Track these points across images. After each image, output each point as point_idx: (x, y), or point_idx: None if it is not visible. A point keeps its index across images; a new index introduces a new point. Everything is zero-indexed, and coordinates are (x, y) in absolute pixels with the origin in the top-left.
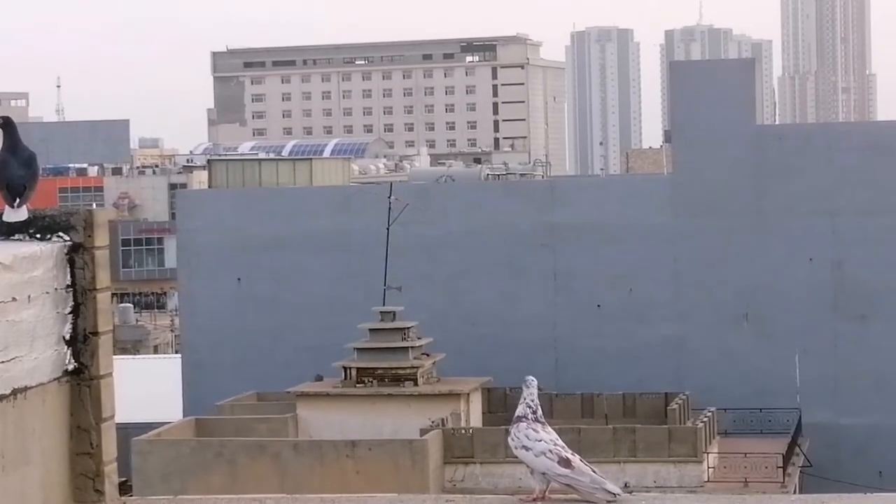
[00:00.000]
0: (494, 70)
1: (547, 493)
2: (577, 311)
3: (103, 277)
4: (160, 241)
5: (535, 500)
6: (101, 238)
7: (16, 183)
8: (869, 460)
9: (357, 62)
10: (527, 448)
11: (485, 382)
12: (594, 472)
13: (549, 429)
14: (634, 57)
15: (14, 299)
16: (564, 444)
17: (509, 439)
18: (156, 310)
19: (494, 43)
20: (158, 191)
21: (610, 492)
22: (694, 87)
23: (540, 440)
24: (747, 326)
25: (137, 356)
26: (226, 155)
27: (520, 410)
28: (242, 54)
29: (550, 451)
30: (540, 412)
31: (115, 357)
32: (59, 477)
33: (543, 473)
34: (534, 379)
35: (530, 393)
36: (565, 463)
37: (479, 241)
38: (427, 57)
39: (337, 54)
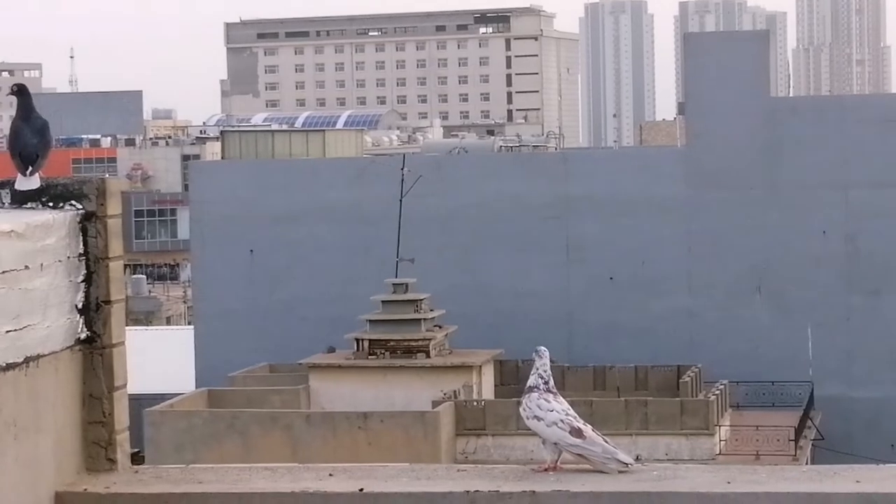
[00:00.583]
0: (508, 42)
1: (558, 463)
2: (590, 283)
3: (116, 246)
4: (173, 212)
5: (546, 470)
6: (114, 207)
7: (29, 151)
8: (881, 433)
9: (370, 33)
10: (538, 418)
11: (497, 355)
12: (606, 442)
13: (562, 399)
14: (648, 29)
15: (27, 267)
16: (577, 415)
17: (521, 409)
18: (168, 281)
19: (508, 14)
20: (171, 162)
21: (622, 461)
22: (708, 59)
23: (552, 410)
24: (760, 300)
25: (150, 327)
26: (239, 126)
27: (531, 381)
28: (255, 25)
29: (562, 420)
30: (552, 382)
31: (127, 328)
32: (72, 445)
33: (555, 444)
34: (546, 349)
35: (543, 363)
36: (577, 433)
37: (491, 213)
38: (440, 28)
39: (350, 25)
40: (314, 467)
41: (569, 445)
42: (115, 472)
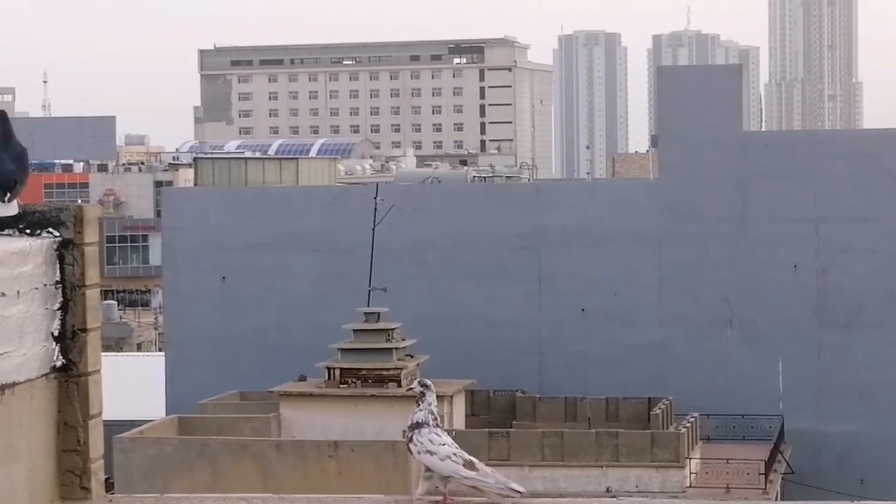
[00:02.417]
0: (482, 72)
1: (448, 495)
2: (562, 314)
3: (92, 274)
4: (145, 238)
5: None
6: (91, 234)
7: (7, 178)
8: (851, 468)
9: (345, 62)
10: (431, 452)
11: (468, 385)
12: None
13: (446, 434)
14: (622, 61)
15: (3, 294)
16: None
17: (411, 445)
18: (140, 307)
19: (482, 45)
20: (144, 188)
21: (516, 490)
22: (681, 92)
23: (444, 444)
24: (731, 332)
25: (121, 353)
26: (212, 153)
27: (421, 416)
28: (230, 52)
29: (455, 453)
30: (439, 418)
31: None
32: (46, 473)
33: (448, 477)
34: (431, 383)
35: (433, 399)
36: (470, 465)
37: (464, 243)
38: (415, 58)
39: (324, 54)
40: (289, 498)
41: (463, 478)
42: (90, 500)
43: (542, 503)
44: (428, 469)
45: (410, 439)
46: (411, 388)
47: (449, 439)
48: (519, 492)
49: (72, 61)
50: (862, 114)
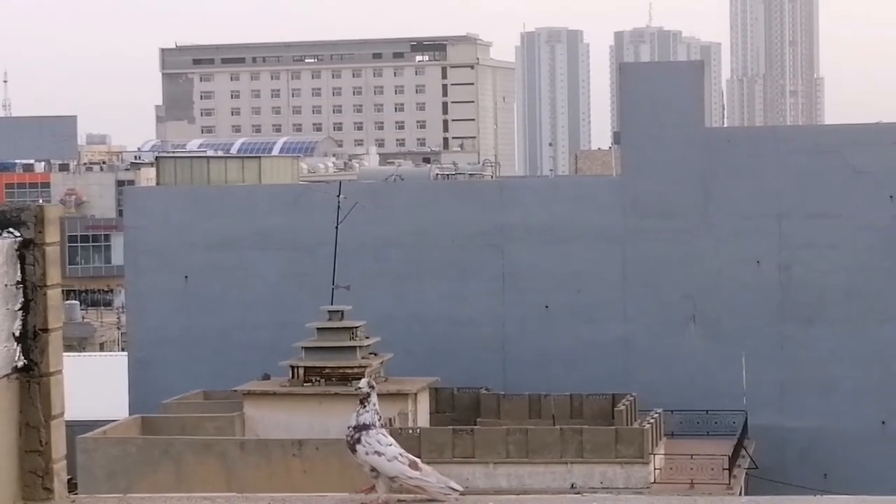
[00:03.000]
0: (444, 70)
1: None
2: (526, 311)
3: (54, 274)
4: (107, 237)
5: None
6: (52, 234)
7: None
8: (814, 463)
9: (307, 60)
10: (379, 453)
11: (432, 382)
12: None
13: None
14: (584, 58)
15: None
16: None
17: (359, 446)
18: (102, 307)
19: (444, 42)
20: (106, 187)
21: (454, 489)
22: (643, 88)
23: (390, 445)
24: (695, 328)
25: (83, 353)
26: (174, 152)
27: (367, 418)
28: (191, 51)
29: (401, 454)
30: (382, 418)
31: None
32: (8, 474)
33: (393, 477)
34: (374, 384)
35: (377, 400)
36: (415, 465)
37: (427, 240)
38: (377, 56)
39: (286, 52)
40: (253, 497)
41: (408, 478)
42: (52, 501)
43: (507, 500)
44: (373, 469)
45: (358, 440)
46: (359, 388)
47: (393, 440)
48: (457, 490)
49: (32, 60)
50: (823, 109)
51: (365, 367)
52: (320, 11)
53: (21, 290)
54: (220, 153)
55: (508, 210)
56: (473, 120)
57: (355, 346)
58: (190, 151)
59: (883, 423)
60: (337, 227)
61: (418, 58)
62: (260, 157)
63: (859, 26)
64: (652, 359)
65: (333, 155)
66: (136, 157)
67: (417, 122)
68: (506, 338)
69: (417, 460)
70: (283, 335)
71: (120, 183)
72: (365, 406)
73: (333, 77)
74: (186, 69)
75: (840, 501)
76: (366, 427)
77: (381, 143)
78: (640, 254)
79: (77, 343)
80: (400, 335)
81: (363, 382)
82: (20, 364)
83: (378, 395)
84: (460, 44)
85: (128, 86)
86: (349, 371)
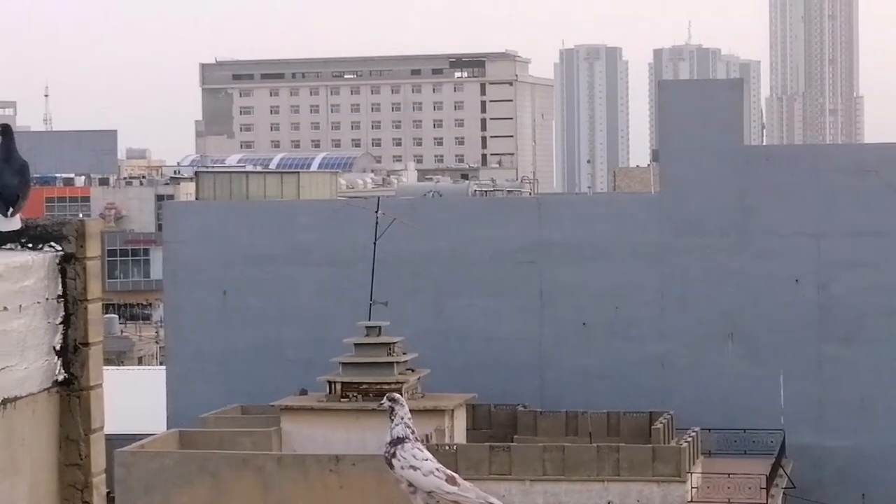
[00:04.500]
0: (483, 86)
1: None
2: (563, 328)
3: (94, 288)
4: (146, 252)
5: None
6: (93, 248)
7: (10, 192)
8: (852, 482)
9: (346, 76)
10: (414, 468)
11: (469, 399)
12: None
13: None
14: (623, 75)
15: (5, 309)
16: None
17: (395, 460)
18: (141, 321)
19: (483, 59)
20: (145, 202)
21: None
22: (682, 106)
23: (427, 459)
24: (732, 346)
25: (121, 367)
26: (213, 167)
27: (399, 431)
28: (231, 66)
29: (438, 469)
30: (416, 431)
31: None
32: (48, 487)
33: (430, 492)
34: (401, 398)
35: (406, 412)
36: (452, 480)
37: (465, 257)
38: (416, 72)
39: (326, 68)
40: None
41: (445, 493)
42: None
43: None
44: (410, 484)
45: (393, 454)
46: (381, 405)
47: (430, 454)
48: None
49: (73, 75)
50: (863, 128)
51: (402, 382)
52: (360, 28)
53: (62, 304)
54: (259, 168)
55: (546, 227)
56: (512, 136)
57: (393, 362)
58: (229, 166)
59: None
60: (375, 243)
61: (457, 74)
62: (299, 172)
63: None
64: (689, 377)
65: (372, 171)
66: (175, 171)
67: (456, 138)
68: (543, 355)
69: (455, 476)
70: (320, 350)
71: (159, 197)
72: (392, 420)
73: (372, 93)
74: (226, 84)
75: None
76: (400, 441)
77: (419, 160)
78: (677, 271)
79: (116, 357)
80: (437, 351)
81: (384, 399)
82: (61, 378)
83: (414, 410)
84: (499, 60)
85: (168, 101)
86: (386, 387)
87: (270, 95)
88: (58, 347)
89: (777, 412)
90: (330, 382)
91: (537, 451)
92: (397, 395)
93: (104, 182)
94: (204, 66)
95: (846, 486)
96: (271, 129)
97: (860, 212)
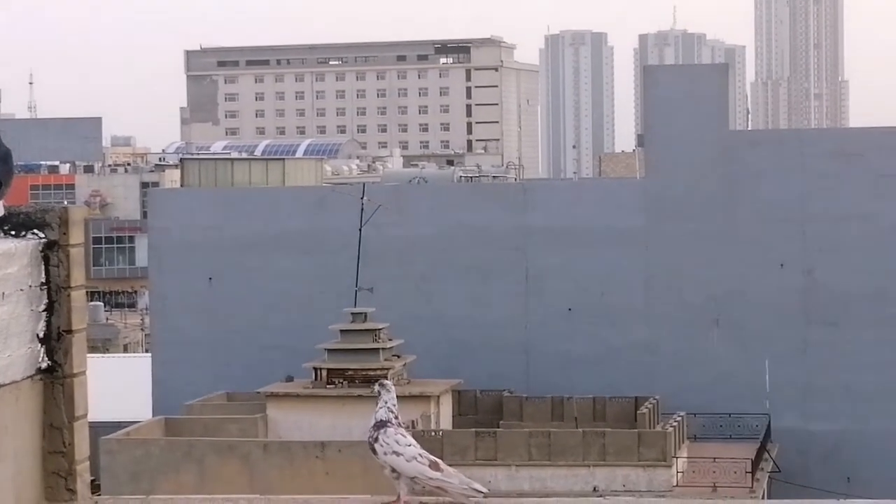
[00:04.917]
0: (468, 72)
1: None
2: (549, 314)
3: (78, 275)
4: (131, 239)
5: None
6: (77, 236)
7: None
8: (837, 466)
9: (331, 62)
10: (397, 454)
11: (455, 385)
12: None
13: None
14: (608, 60)
15: None
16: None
17: (377, 445)
18: (126, 308)
19: (468, 45)
20: (130, 189)
21: (479, 490)
22: (667, 91)
23: (409, 445)
24: (718, 331)
25: (107, 355)
26: (198, 154)
27: (382, 415)
28: (216, 53)
29: (421, 454)
30: (399, 417)
31: None
32: (32, 475)
33: (413, 478)
34: (391, 383)
35: (391, 397)
36: (435, 466)
37: (451, 243)
38: (401, 58)
39: (311, 54)
40: (275, 499)
41: (428, 479)
42: (75, 502)
43: (530, 503)
44: (394, 470)
45: (376, 439)
46: (373, 391)
47: (413, 440)
48: (481, 492)
49: (58, 62)
50: (848, 112)
51: (388, 369)
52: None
53: (45, 292)
54: (244, 155)
55: (532, 212)
56: (497, 122)
57: (378, 349)
58: (214, 153)
59: None
60: (360, 229)
61: (442, 60)
62: (284, 159)
63: (885, 29)
64: (675, 362)
65: (357, 157)
66: (160, 158)
67: (441, 124)
68: (528, 340)
69: (439, 461)
70: (306, 337)
71: (144, 185)
72: (377, 404)
73: (357, 79)
74: (211, 71)
75: None
76: (382, 424)
77: (404, 146)
78: (663, 256)
79: (101, 344)
80: (423, 337)
81: (375, 385)
82: (44, 365)
83: (401, 396)
84: (484, 46)
85: (152, 88)
86: (372, 373)
87: (255, 82)
88: (41, 335)
89: (762, 396)
90: (316, 369)
91: (523, 437)
92: (387, 382)
93: (89, 169)
94: (189, 53)
95: (831, 470)
96: (256, 116)
97: (845, 196)
